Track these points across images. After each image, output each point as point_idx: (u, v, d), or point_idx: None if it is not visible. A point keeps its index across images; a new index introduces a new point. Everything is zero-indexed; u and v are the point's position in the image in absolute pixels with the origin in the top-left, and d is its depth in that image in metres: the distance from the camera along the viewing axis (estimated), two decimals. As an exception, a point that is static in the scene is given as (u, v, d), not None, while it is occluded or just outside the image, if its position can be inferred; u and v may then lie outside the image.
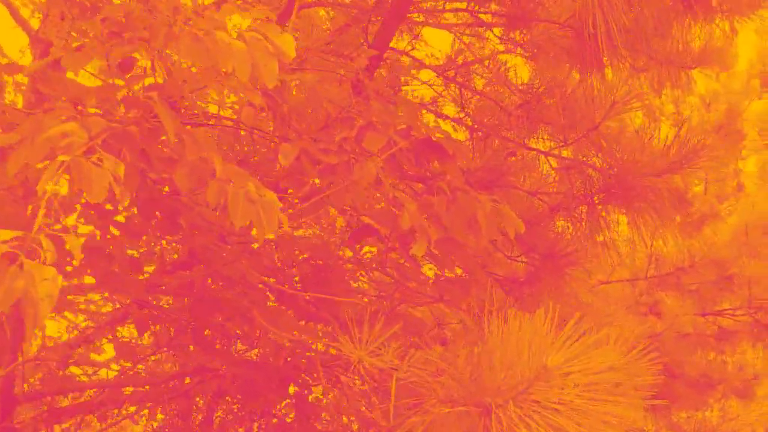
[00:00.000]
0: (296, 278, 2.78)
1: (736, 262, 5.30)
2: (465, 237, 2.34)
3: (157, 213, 2.13)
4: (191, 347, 2.94)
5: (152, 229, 2.16)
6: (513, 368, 1.58)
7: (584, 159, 2.67)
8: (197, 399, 3.84)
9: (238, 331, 2.54)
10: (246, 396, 2.87)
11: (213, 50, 1.54)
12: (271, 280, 2.69)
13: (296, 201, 2.08)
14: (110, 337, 3.43)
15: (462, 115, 3.00)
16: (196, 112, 2.00)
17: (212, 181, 1.52)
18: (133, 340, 3.58)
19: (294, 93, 2.46)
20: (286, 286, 2.61)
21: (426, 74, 3.24)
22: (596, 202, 2.62)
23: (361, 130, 2.17)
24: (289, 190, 2.15)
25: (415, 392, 1.81)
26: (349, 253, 2.77)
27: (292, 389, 2.88)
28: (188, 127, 1.72)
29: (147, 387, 3.29)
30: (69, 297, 3.20)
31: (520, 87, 3.14)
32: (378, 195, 2.17)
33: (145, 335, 3.46)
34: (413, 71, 3.19)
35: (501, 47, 3.29)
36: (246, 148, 2.22)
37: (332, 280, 2.82)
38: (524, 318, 1.60)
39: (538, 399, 1.52)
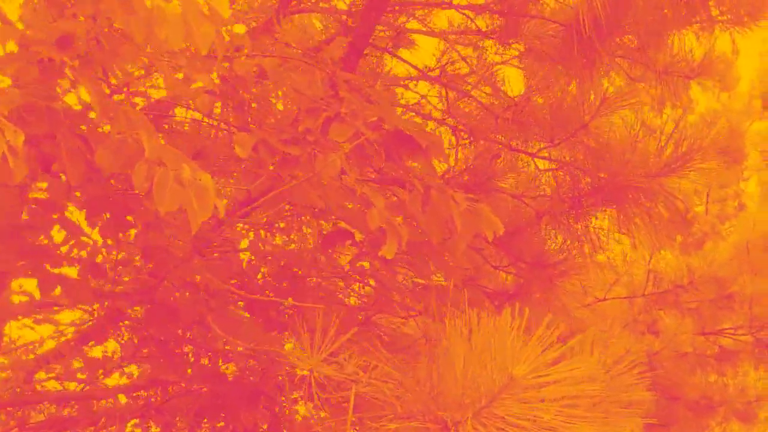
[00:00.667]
0: (268, 290, 2.59)
1: (737, 280, 5.06)
2: (440, 239, 2.14)
3: (106, 214, 1.94)
4: (156, 359, 2.73)
5: (101, 229, 1.97)
6: (477, 380, 1.36)
7: (572, 161, 2.47)
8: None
9: (189, 338, 2.33)
10: (211, 412, 2.65)
11: (146, 16, 1.36)
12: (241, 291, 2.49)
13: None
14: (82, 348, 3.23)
15: (446, 116, 2.81)
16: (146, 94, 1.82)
17: (139, 162, 1.33)
18: (104, 353, 3.37)
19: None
20: (262, 295, 2.42)
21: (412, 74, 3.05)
22: (585, 205, 2.41)
23: (327, 121, 1.98)
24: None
25: (374, 406, 1.60)
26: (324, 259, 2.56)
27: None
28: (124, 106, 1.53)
29: (111, 400, 3.08)
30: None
31: (511, 96, 2.96)
32: (346, 193, 1.97)
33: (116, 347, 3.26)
34: (398, 71, 3.01)
35: (492, 49, 3.12)
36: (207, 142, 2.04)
37: (306, 288, 2.62)
38: (491, 324, 1.40)
39: (503, 414, 1.31)
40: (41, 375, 3.41)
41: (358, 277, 2.60)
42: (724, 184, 9.96)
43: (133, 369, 3.45)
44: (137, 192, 1.30)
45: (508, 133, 2.75)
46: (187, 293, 2.11)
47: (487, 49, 3.10)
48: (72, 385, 3.48)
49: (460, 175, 2.78)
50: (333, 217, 2.47)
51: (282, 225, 2.84)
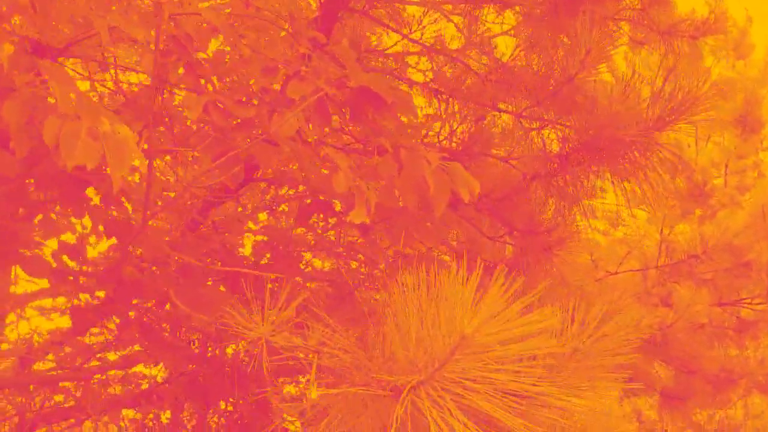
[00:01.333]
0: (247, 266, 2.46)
1: (753, 247, 4.82)
2: (413, 203, 1.99)
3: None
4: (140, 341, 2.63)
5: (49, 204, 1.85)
6: (432, 342, 1.22)
7: (558, 118, 2.29)
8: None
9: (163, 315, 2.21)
10: (192, 393, 2.54)
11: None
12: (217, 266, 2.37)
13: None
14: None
15: (429, 81, 2.65)
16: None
17: (51, 116, 1.20)
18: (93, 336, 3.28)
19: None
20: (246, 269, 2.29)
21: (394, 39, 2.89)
22: (573, 163, 2.23)
23: (287, 81, 1.84)
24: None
25: (335, 374, 1.46)
26: (301, 231, 2.43)
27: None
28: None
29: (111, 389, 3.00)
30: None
31: (500, 59, 2.79)
32: (309, 155, 1.83)
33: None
34: (382, 34, 2.85)
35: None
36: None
37: (285, 262, 2.48)
38: (446, 282, 1.24)
39: (456, 378, 1.16)
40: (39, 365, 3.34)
41: (341, 250, 2.47)
42: (742, 155, 9.61)
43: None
44: (48, 146, 1.17)
45: (495, 95, 2.58)
46: (154, 268, 1.99)
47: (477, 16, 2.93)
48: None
49: (442, 141, 2.62)
50: (307, 188, 2.33)
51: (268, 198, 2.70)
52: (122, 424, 3.80)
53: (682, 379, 5.07)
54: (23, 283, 3.92)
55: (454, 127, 2.58)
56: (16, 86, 1.21)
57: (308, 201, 2.21)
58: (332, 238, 2.64)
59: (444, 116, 2.58)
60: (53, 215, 2.14)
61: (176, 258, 2.07)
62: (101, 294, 2.51)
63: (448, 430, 1.07)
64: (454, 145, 2.73)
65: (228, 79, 1.95)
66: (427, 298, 1.26)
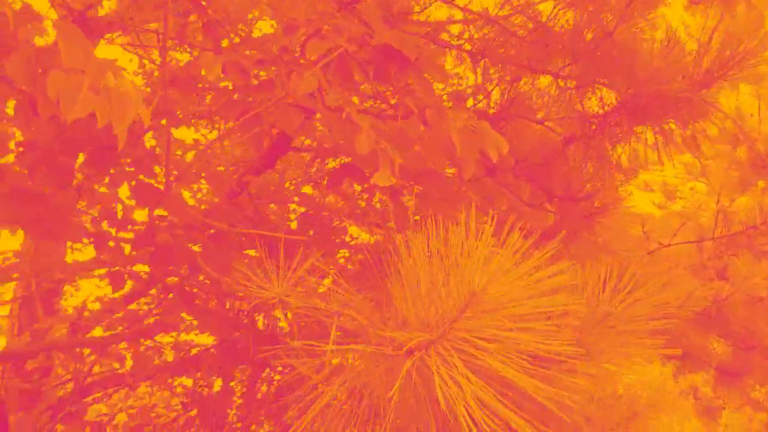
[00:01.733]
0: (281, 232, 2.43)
1: (818, 216, 4.54)
2: (441, 164, 1.91)
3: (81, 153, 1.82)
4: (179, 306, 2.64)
5: (83, 166, 1.85)
6: (444, 301, 1.15)
7: (597, 75, 2.16)
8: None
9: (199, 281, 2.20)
10: (237, 360, 2.54)
11: None
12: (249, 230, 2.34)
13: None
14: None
15: (462, 41, 2.54)
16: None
17: (54, 71, 1.17)
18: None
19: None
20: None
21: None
22: (612, 123, 2.10)
23: (306, 39, 1.78)
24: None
25: (352, 336, 1.42)
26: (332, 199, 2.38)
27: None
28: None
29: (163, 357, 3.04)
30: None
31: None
32: (331, 117, 1.76)
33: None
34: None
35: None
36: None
37: (320, 231, 2.45)
38: (459, 237, 1.17)
39: (468, 337, 1.08)
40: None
41: (372, 217, 2.41)
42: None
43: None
44: (52, 100, 1.14)
45: (532, 55, 2.45)
46: (180, 232, 1.98)
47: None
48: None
49: (479, 104, 2.52)
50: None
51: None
52: (177, 390, 3.87)
53: (739, 355, 4.83)
54: (76, 253, 4.00)
55: (489, 90, 2.48)
56: (20, 42, 1.19)
57: (335, 165, 2.15)
58: (363, 204, 2.58)
59: (479, 80, 2.48)
60: (96, 186, 2.16)
61: (209, 224, 2.06)
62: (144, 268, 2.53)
63: (455, 387, 1.01)
64: (490, 110, 2.62)
65: (247, 38, 1.90)
66: (439, 256, 1.19)
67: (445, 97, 2.62)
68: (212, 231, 2.11)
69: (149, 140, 2.21)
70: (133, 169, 1.99)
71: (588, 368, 1.43)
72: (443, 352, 1.08)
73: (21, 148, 1.89)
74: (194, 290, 2.25)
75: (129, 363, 3.40)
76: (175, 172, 1.91)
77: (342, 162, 2.45)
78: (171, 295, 2.56)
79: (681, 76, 2.00)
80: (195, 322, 2.89)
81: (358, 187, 2.26)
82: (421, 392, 1.12)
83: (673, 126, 2.13)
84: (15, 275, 3.06)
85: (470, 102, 2.56)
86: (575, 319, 1.23)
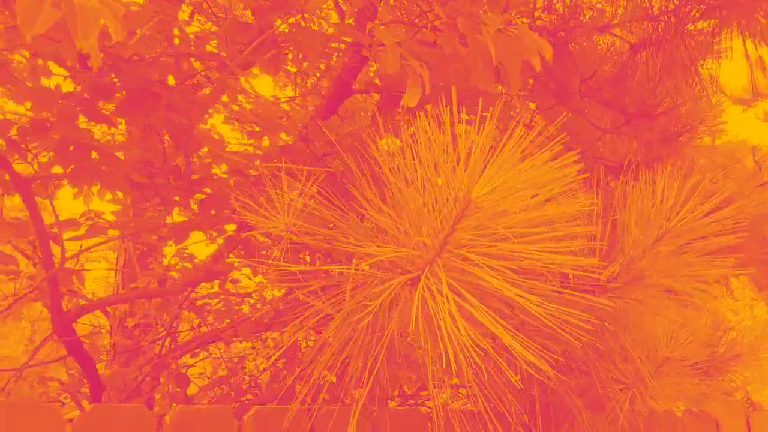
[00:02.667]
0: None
1: None
2: (483, 79, 1.69)
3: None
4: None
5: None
6: (440, 211, 0.97)
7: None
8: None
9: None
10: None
11: None
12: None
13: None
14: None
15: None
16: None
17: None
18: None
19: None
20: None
21: None
22: (688, 22, 1.78)
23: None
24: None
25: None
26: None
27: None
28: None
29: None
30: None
31: None
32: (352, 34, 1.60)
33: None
34: None
35: None
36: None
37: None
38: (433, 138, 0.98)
39: (465, 253, 0.91)
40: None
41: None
42: None
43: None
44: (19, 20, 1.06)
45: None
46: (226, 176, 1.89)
47: None
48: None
49: (537, 21, 2.25)
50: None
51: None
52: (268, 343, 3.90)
53: None
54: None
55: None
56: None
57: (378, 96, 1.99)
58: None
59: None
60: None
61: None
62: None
63: (457, 328, 0.85)
64: (548, 23, 2.34)
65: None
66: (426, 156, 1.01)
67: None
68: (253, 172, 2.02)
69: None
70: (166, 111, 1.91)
71: (634, 293, 1.21)
72: (437, 271, 0.91)
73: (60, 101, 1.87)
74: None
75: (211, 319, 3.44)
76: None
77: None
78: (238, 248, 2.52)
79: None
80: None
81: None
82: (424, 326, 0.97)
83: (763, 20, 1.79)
84: (112, 233, 3.14)
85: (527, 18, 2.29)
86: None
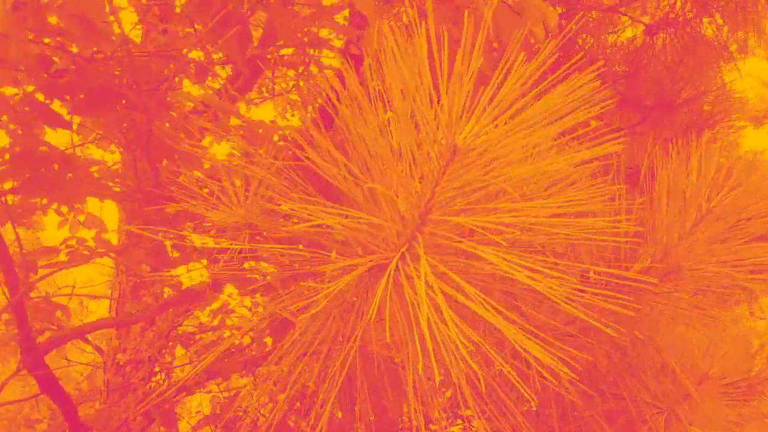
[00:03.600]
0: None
1: None
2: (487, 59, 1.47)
3: None
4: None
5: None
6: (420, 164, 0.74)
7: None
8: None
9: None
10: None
11: None
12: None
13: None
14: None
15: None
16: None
17: None
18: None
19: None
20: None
21: None
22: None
23: None
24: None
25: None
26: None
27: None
28: None
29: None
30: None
31: None
32: None
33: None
34: None
35: None
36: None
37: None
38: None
39: (449, 218, 0.68)
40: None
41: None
42: None
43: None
44: None
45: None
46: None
47: None
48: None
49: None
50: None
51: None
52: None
53: None
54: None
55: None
56: None
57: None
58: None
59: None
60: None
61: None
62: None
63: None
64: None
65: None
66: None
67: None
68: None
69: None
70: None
71: (672, 290, 0.97)
72: (428, 245, 0.68)
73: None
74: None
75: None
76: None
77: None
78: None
79: None
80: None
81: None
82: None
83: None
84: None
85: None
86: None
